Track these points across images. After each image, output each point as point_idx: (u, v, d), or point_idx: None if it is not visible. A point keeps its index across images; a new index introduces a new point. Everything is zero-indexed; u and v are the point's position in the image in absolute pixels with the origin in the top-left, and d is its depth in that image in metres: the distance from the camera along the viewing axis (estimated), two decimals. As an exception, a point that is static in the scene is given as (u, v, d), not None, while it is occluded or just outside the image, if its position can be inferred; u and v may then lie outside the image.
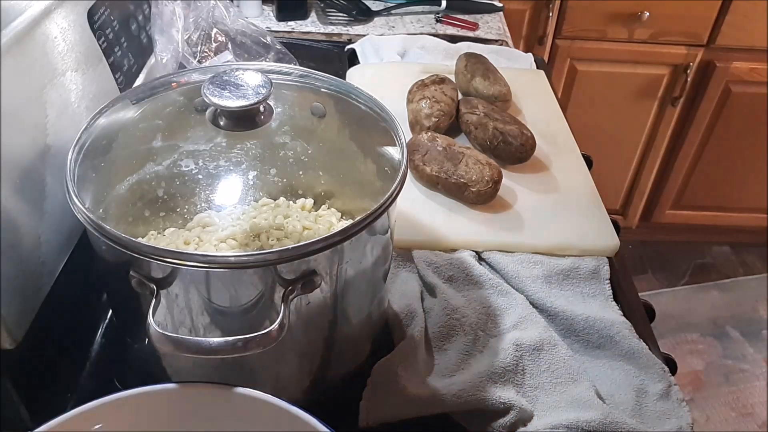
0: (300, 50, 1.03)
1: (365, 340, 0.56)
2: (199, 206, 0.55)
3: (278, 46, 0.91)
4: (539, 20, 1.54)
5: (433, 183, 0.72)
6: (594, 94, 1.63)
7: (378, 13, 1.17)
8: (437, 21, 1.17)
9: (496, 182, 0.69)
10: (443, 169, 0.70)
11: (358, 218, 0.44)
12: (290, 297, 0.43)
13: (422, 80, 0.82)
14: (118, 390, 0.41)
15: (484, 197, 0.70)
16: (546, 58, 1.59)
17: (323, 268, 0.44)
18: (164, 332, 0.40)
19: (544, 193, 0.74)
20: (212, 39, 0.85)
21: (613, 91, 1.62)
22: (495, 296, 0.62)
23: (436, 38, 1.05)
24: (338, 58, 1.04)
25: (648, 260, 1.92)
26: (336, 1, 1.15)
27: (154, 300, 0.42)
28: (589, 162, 0.81)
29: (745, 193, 1.80)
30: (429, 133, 0.74)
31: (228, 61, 0.85)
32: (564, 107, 0.91)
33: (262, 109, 0.51)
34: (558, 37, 1.57)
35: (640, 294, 0.67)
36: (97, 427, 0.40)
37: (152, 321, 0.40)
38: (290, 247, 0.42)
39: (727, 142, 1.69)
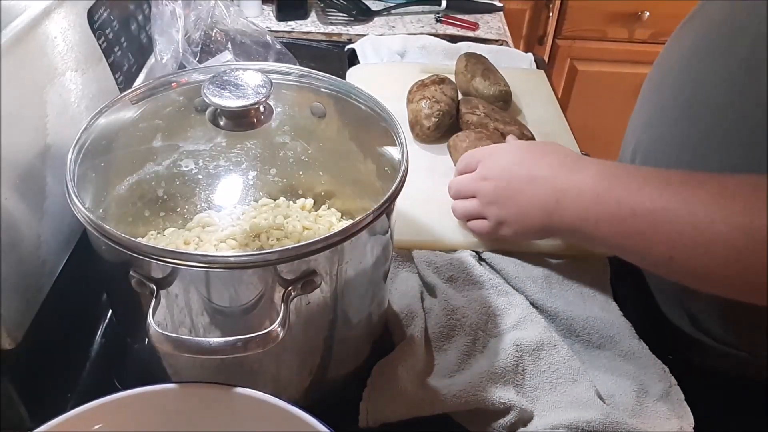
0: (300, 50, 1.03)
1: (365, 340, 0.56)
2: (199, 206, 0.55)
3: (278, 46, 0.91)
4: (539, 20, 1.55)
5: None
6: (594, 94, 1.63)
7: (378, 13, 1.17)
8: (437, 21, 1.17)
9: None
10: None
11: (358, 218, 0.44)
12: (290, 297, 0.43)
13: (422, 80, 0.82)
14: (118, 390, 0.41)
15: None
16: (546, 58, 1.59)
17: (323, 268, 0.44)
18: (164, 332, 0.40)
19: (544, 193, 0.74)
20: (212, 39, 0.85)
21: (613, 91, 1.62)
22: (495, 296, 0.62)
23: (436, 38, 1.05)
24: (338, 58, 1.04)
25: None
26: (336, 1, 1.15)
27: (154, 300, 0.42)
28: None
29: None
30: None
31: (228, 61, 0.85)
32: (564, 107, 0.91)
33: (262, 109, 0.51)
34: (558, 37, 1.57)
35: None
36: (97, 427, 0.40)
37: (152, 321, 0.40)
38: (290, 247, 0.42)
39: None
